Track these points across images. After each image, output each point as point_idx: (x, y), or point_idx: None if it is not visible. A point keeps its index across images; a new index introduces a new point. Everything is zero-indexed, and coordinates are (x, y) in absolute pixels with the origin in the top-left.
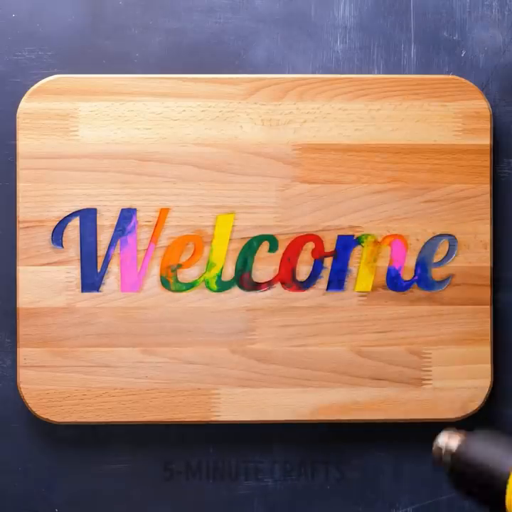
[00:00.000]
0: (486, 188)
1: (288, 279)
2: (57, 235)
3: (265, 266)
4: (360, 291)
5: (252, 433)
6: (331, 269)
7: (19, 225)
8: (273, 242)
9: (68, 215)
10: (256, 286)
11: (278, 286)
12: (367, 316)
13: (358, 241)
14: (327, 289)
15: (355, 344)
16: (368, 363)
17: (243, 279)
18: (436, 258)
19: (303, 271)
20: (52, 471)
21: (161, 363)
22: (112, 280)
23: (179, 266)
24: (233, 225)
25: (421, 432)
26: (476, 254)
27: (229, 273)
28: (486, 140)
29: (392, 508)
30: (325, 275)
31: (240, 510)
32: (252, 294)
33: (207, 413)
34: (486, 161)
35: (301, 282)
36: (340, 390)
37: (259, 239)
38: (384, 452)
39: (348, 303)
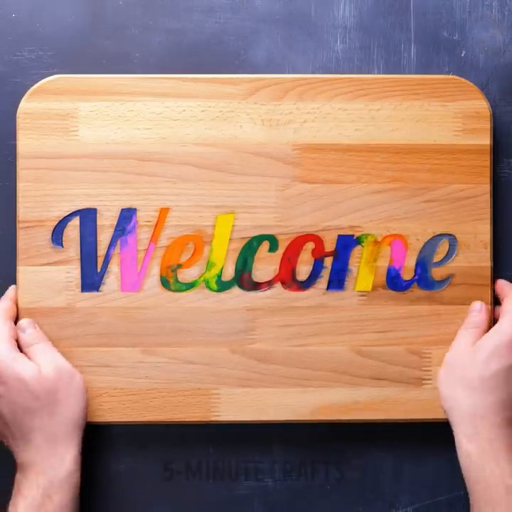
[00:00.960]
0: (486, 188)
1: (288, 278)
2: (57, 235)
3: (265, 266)
4: (360, 291)
5: (252, 433)
6: (331, 269)
7: (19, 225)
8: (273, 242)
9: (68, 215)
10: (256, 286)
11: (278, 286)
12: (367, 316)
13: (358, 241)
14: (327, 288)
15: (356, 344)
16: (368, 363)
17: (243, 279)
18: (437, 258)
19: (303, 271)
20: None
21: (161, 363)
22: (111, 280)
23: (179, 266)
24: (233, 225)
25: (421, 432)
26: (476, 254)
27: (229, 273)
28: (486, 140)
29: (392, 508)
30: (325, 275)
31: (239, 510)
32: (252, 294)
33: (207, 413)
34: (486, 161)
35: (301, 282)
36: (340, 390)
37: (259, 239)
38: (384, 452)
39: (348, 302)
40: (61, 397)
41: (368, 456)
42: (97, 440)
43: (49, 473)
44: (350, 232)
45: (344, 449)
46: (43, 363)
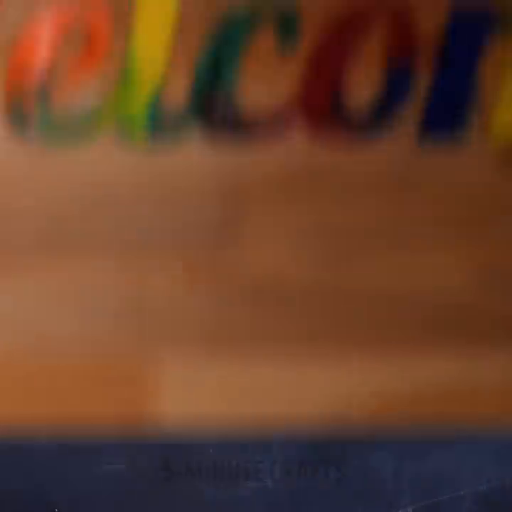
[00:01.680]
0: None
1: (323, 107)
2: None
3: (268, 75)
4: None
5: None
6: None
7: None
8: (289, 21)
9: None
10: (247, 140)
11: (297, 130)
12: None
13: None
14: (421, 132)
15: None
16: None
17: (212, 107)
18: None
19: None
20: (51, 470)
21: (28, 302)
22: None
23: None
24: None
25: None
26: None
27: (179, 93)
28: None
29: (392, 508)
30: (415, 103)
31: (240, 510)
32: (238, 154)
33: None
34: None
35: (356, 119)
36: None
37: (246, 17)
38: (384, 452)
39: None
40: None
41: (368, 456)
42: (96, 439)
43: None
44: None
45: (344, 449)
46: None
